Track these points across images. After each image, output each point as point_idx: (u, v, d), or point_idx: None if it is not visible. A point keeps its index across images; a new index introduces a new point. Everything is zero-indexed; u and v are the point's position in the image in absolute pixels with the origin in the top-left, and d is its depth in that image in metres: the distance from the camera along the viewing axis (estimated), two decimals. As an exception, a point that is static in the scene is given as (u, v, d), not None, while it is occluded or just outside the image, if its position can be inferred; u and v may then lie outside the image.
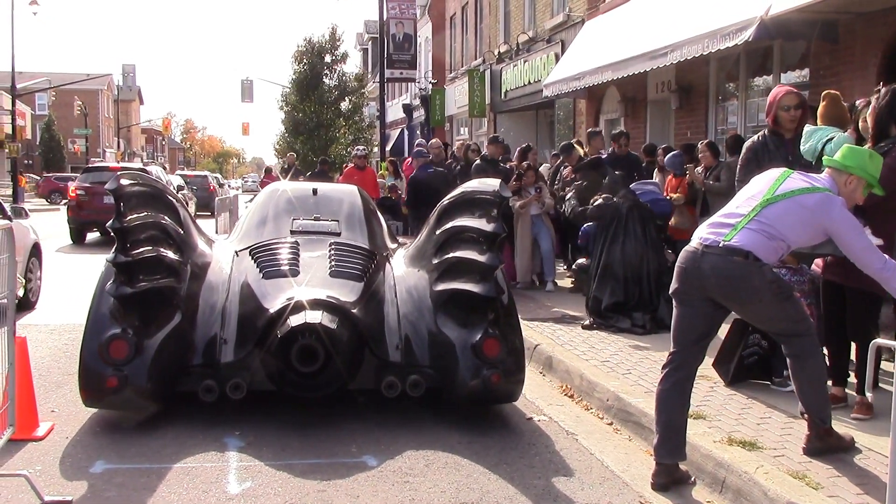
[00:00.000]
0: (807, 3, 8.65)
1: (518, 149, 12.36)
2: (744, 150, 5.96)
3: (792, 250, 4.31)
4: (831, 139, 5.14)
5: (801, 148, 5.39)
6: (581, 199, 9.05)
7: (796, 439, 4.49)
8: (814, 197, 4.10)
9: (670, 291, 4.35)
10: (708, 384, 5.64)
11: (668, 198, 9.31)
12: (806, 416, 4.38)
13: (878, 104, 4.91)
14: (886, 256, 4.07)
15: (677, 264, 4.28)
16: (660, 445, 4.25)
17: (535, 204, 10.40)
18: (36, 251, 10.15)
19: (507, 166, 11.27)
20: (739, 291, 4.09)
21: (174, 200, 6.00)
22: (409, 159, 15.94)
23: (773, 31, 9.53)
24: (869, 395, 4.83)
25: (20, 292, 8.71)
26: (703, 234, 4.23)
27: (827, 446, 4.30)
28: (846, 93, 8.86)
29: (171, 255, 5.36)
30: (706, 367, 5.29)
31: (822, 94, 5.59)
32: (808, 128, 5.46)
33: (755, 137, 5.98)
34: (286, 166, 21.76)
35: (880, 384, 5.31)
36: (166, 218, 5.60)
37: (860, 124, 5.23)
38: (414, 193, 11.73)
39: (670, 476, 4.25)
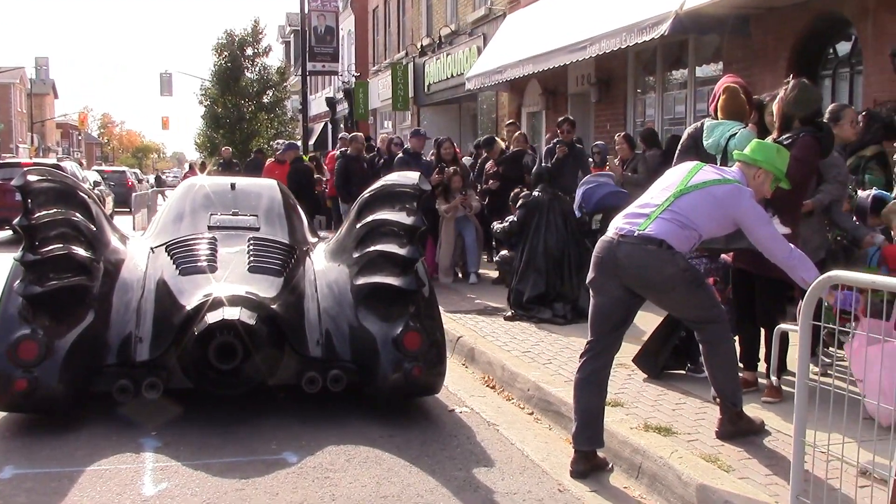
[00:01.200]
0: (719, -3, 8.89)
1: (434, 141, 12.28)
2: (684, 136, 6.06)
3: (704, 241, 4.42)
4: (734, 135, 5.27)
5: (705, 143, 5.52)
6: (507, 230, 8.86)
7: (710, 424, 4.61)
8: (724, 188, 4.22)
9: (587, 281, 4.42)
10: (625, 372, 5.75)
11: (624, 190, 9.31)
12: (718, 400, 4.50)
13: (784, 96, 5.06)
14: (792, 246, 4.21)
15: (594, 254, 4.35)
16: (578, 433, 4.32)
17: (461, 207, 10.39)
18: None
19: (429, 159, 11.28)
20: (653, 279, 4.18)
21: (86, 197, 5.84)
22: (333, 152, 15.86)
23: (687, 26, 9.77)
24: (774, 378, 5.04)
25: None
26: (619, 224, 4.31)
27: (738, 430, 4.43)
28: (758, 86, 9.13)
29: (82, 252, 5.21)
30: (625, 356, 5.40)
31: (723, 87, 5.70)
32: (708, 122, 5.59)
33: (696, 124, 6.05)
34: (222, 161, 21.16)
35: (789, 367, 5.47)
36: (77, 215, 5.45)
37: (766, 118, 5.38)
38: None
39: (588, 463, 4.32)
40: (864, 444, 3.63)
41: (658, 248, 4.11)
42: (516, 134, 11.61)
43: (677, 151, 5.98)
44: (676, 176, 4.38)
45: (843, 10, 9.00)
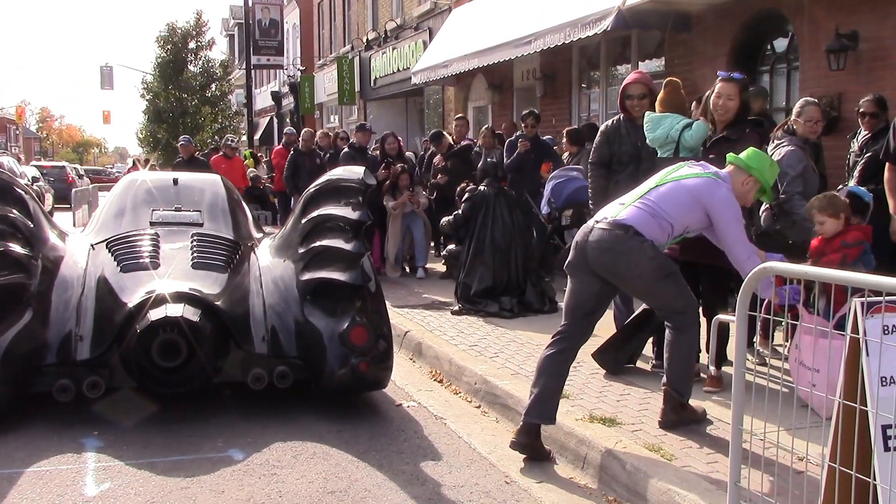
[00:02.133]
0: (660, -7, 9.01)
1: (377, 139, 12.17)
2: (598, 134, 6.29)
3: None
4: (689, 126, 5.33)
5: (649, 135, 5.58)
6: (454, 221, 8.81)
7: (653, 414, 4.69)
8: (699, 179, 4.37)
9: (564, 265, 4.54)
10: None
11: None
12: (664, 388, 4.57)
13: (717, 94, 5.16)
14: (755, 249, 4.33)
15: (574, 239, 4.50)
16: (531, 406, 4.38)
17: (409, 203, 10.39)
18: None
19: (375, 154, 11.25)
20: (618, 263, 4.27)
21: (23, 193, 5.71)
22: (279, 147, 15.74)
23: (630, 21, 9.89)
24: (713, 368, 5.14)
25: None
26: (602, 212, 4.48)
27: (681, 419, 4.52)
28: (699, 82, 9.30)
29: (19, 249, 5.10)
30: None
31: (665, 81, 5.80)
32: (651, 115, 5.64)
33: (609, 122, 6.27)
34: (181, 159, 19.47)
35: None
36: (14, 211, 5.33)
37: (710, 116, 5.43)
38: None
39: (530, 438, 4.38)
40: (798, 432, 3.75)
41: (625, 233, 4.24)
42: (483, 129, 11.36)
43: (592, 148, 6.25)
44: (662, 172, 4.55)
45: (780, 7, 9.19)
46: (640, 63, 11.90)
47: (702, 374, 5.30)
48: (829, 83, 8.46)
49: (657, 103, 5.73)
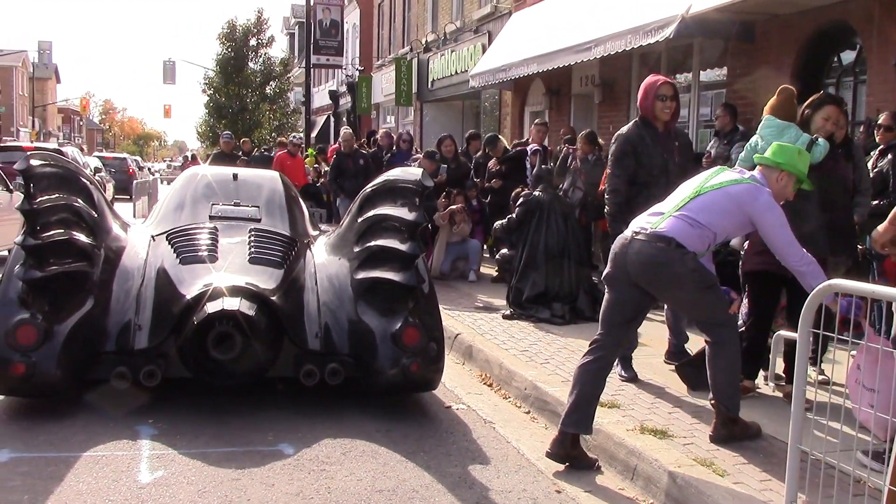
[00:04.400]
0: (726, 3, 8.89)
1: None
2: (621, 141, 5.62)
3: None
4: (815, 141, 5.08)
5: (773, 139, 5.10)
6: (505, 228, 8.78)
7: (706, 428, 4.62)
8: (740, 186, 4.31)
9: (602, 276, 4.52)
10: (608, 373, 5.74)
11: None
12: (713, 403, 4.51)
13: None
14: (804, 251, 4.24)
15: (611, 250, 4.45)
16: (567, 415, 4.36)
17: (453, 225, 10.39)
18: None
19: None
20: (660, 277, 4.24)
21: (88, 183, 5.84)
22: (337, 145, 15.88)
23: (693, 29, 9.78)
24: (771, 384, 5.04)
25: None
26: (637, 222, 4.43)
27: (732, 434, 4.44)
28: (760, 92, 9.14)
29: (83, 238, 5.21)
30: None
31: (780, 88, 5.48)
32: (774, 121, 5.28)
33: (630, 128, 5.67)
34: (243, 153, 19.53)
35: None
36: (79, 200, 5.45)
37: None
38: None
39: (567, 449, 4.35)
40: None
41: (667, 245, 4.19)
42: (581, 134, 10.50)
43: (612, 157, 5.62)
44: (698, 179, 4.48)
45: (849, 19, 9.00)
46: (701, 72, 11.76)
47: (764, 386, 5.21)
48: (896, 97, 8.27)
49: (770, 109, 5.39)
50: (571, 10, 13.65)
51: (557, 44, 12.65)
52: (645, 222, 4.36)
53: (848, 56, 9.48)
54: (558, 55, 12.52)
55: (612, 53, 11.08)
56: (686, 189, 4.45)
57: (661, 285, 4.30)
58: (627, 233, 4.39)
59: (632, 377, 5.67)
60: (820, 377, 5.09)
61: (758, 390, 5.25)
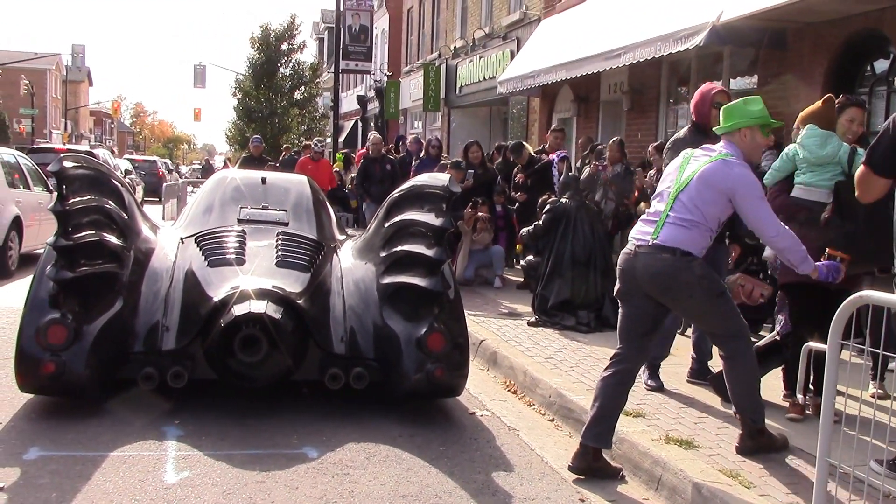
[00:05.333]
0: (757, 10, 8.82)
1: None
2: (678, 145, 5.41)
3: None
4: (856, 151, 4.99)
5: (819, 151, 5.09)
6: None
7: (732, 439, 4.59)
8: (709, 167, 4.23)
9: (614, 292, 4.46)
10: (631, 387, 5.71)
11: None
12: (738, 415, 4.48)
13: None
14: (783, 225, 4.19)
15: (617, 266, 4.42)
16: (587, 428, 4.35)
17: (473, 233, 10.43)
18: (17, 224, 10.85)
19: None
20: (671, 288, 4.22)
21: (119, 185, 5.90)
22: (365, 150, 15.92)
23: (724, 37, 9.70)
24: (800, 396, 4.97)
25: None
26: (635, 234, 4.39)
27: (758, 445, 4.40)
28: (791, 100, 9.06)
29: (113, 240, 5.27)
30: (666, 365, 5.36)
31: (825, 97, 5.40)
32: (818, 130, 5.16)
33: (684, 134, 5.66)
34: (281, 159, 18.47)
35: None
36: (110, 202, 5.51)
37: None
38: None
39: (588, 461, 4.33)
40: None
41: (672, 255, 4.16)
42: (611, 142, 10.41)
43: (666, 160, 5.34)
44: (672, 177, 4.40)
45: (883, 27, 8.90)
46: (731, 80, 11.67)
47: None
48: (931, 108, 8.16)
49: (812, 117, 5.28)
50: (601, 16, 13.61)
51: (586, 51, 12.61)
52: (643, 234, 4.31)
53: (881, 65, 9.36)
54: (587, 62, 12.48)
55: (641, 61, 11.03)
56: (666, 190, 4.33)
57: (672, 295, 4.27)
58: (630, 247, 4.34)
59: (658, 386, 5.65)
60: (879, 392, 5.02)
61: (808, 413, 5.06)
